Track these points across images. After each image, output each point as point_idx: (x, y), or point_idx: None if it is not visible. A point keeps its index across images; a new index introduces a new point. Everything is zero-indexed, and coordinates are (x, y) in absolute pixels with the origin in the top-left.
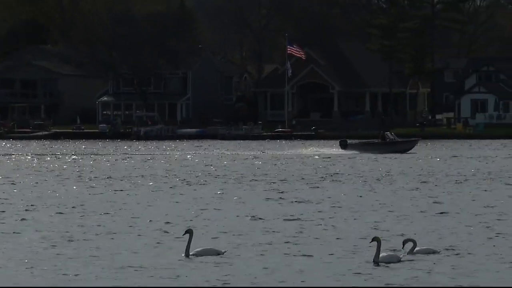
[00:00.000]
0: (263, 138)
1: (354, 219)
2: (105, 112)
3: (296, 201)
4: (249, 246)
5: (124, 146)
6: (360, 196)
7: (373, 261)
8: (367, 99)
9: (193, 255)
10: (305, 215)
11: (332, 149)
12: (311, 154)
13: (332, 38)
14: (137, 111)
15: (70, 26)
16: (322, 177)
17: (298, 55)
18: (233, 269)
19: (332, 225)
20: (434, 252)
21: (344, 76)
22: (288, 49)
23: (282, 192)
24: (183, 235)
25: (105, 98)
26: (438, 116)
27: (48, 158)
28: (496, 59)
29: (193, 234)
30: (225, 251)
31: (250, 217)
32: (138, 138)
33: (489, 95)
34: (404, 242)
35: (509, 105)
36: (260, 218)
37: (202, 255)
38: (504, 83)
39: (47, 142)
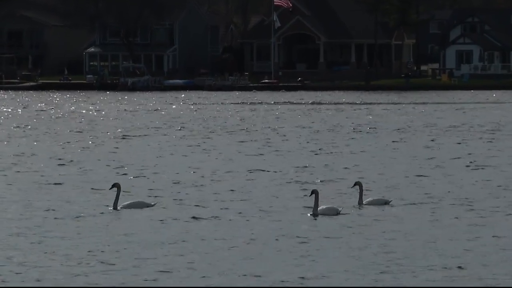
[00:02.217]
0: (249, 89)
1: None
2: (92, 63)
3: None
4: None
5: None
6: None
7: (312, 213)
8: (353, 50)
9: (121, 208)
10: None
11: None
12: None
13: None
14: (124, 62)
15: None
16: None
17: (285, 5)
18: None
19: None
20: (385, 202)
21: (329, 27)
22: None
23: None
24: (110, 188)
25: (92, 49)
26: (423, 67)
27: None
28: (481, 10)
29: (121, 187)
30: (154, 204)
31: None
32: (125, 89)
33: (474, 46)
34: (355, 184)
35: (493, 56)
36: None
37: (131, 208)
38: (489, 34)
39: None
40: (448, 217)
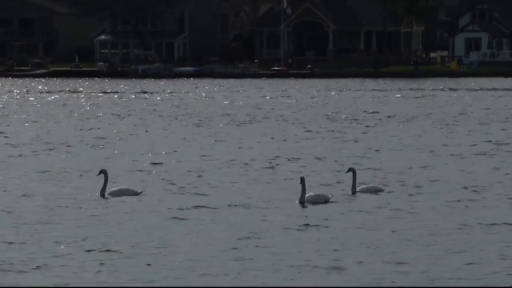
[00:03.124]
0: (259, 76)
1: None
2: (102, 51)
3: None
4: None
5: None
6: None
7: (299, 201)
8: (362, 37)
9: (109, 194)
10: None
11: None
12: None
13: None
14: (135, 50)
15: None
16: None
17: None
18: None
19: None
20: (377, 190)
21: (339, 14)
22: None
23: None
24: (97, 175)
25: (103, 37)
26: (432, 55)
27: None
28: None
29: (108, 174)
30: (141, 191)
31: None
32: (136, 76)
33: (483, 34)
34: (349, 170)
35: (502, 43)
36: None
37: (118, 195)
38: (498, 22)
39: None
40: (443, 205)
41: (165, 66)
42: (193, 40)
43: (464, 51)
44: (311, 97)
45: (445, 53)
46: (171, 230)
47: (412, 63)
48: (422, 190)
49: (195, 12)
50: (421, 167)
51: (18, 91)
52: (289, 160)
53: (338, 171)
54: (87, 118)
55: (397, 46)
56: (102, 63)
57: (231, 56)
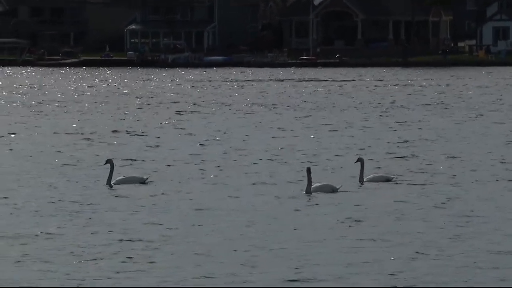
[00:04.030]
0: (288, 65)
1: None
2: (133, 40)
3: None
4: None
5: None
6: None
7: (305, 192)
8: (390, 27)
9: (115, 183)
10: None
11: None
12: None
13: None
14: (165, 39)
15: None
16: None
17: None
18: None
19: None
20: (387, 179)
21: (367, 4)
22: None
23: None
24: (104, 164)
25: (133, 26)
26: (460, 44)
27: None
28: None
29: (114, 163)
30: (147, 178)
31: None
32: (166, 65)
33: (511, 23)
34: (357, 160)
35: None
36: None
37: (124, 183)
38: None
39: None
40: (445, 197)
41: (194, 56)
42: (223, 29)
43: (492, 40)
44: (339, 86)
45: (473, 42)
46: (194, 221)
47: (440, 52)
48: (435, 180)
49: (225, 1)
50: (451, 157)
51: (76, 82)
52: (326, 149)
53: (374, 160)
54: (145, 107)
55: (425, 35)
56: (132, 53)
57: (260, 45)
